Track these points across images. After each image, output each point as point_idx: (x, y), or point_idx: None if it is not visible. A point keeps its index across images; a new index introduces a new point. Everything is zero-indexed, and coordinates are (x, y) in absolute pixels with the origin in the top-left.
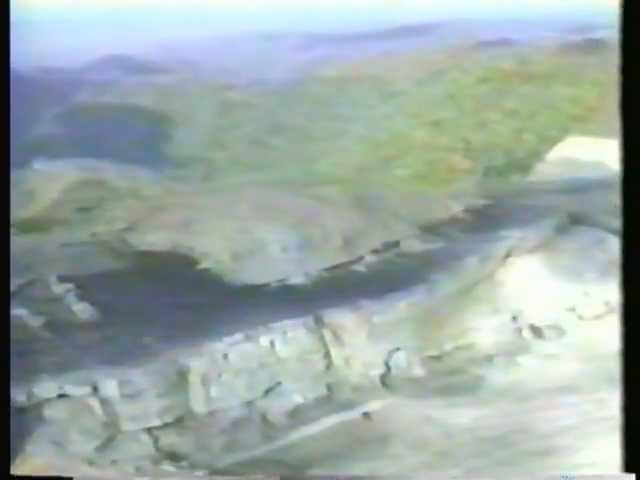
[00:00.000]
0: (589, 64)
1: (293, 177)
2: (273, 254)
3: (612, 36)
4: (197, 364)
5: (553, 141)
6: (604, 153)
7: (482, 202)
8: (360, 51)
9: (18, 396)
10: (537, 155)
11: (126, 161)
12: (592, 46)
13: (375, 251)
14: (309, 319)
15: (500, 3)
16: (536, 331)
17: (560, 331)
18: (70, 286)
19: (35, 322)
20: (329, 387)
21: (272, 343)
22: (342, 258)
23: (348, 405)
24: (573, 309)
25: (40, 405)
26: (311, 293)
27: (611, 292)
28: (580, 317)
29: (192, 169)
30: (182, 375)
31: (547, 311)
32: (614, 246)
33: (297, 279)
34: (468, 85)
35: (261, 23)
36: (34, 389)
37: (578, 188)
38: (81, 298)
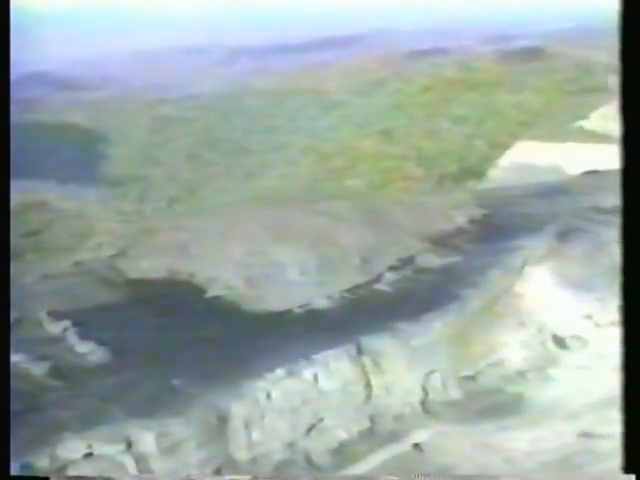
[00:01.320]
0: (530, 71)
1: (235, 192)
2: (291, 277)
3: (547, 45)
4: (239, 407)
5: (503, 147)
6: (556, 157)
7: (481, 212)
8: (288, 63)
9: (40, 461)
10: (488, 161)
11: (65, 181)
12: (530, 54)
13: (392, 268)
14: (351, 348)
15: (420, 15)
16: (560, 342)
17: (583, 341)
18: (67, 324)
19: (39, 369)
20: (371, 418)
21: (315, 377)
22: (361, 277)
23: (393, 437)
24: (589, 317)
25: (63, 468)
26: (338, 317)
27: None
28: (597, 325)
29: (128, 187)
30: (223, 421)
31: (566, 321)
32: (616, 250)
33: (320, 303)
34: (413, 94)
35: (181, 37)
36: (57, 451)
37: (541, 193)
38: (83, 337)
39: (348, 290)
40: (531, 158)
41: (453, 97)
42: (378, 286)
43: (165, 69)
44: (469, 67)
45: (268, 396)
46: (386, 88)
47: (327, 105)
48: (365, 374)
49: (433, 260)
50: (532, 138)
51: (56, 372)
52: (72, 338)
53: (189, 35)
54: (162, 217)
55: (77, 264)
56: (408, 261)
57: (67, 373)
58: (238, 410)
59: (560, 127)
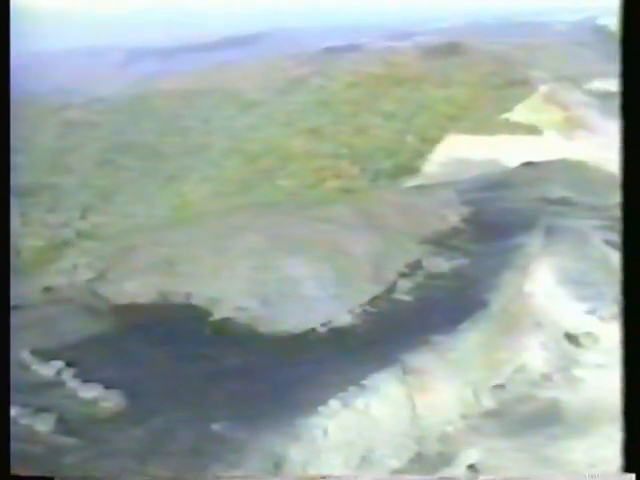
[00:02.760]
0: (453, 66)
1: (155, 197)
2: (308, 292)
3: (463, 40)
4: (296, 449)
5: (434, 141)
6: (488, 150)
7: (467, 209)
8: (193, 63)
9: None
10: (421, 156)
11: None
12: (449, 49)
13: (403, 275)
14: (396, 368)
15: (317, 12)
16: (574, 341)
17: (594, 337)
18: (60, 364)
19: (43, 425)
20: (419, 442)
21: (367, 404)
22: (376, 287)
23: (444, 459)
24: (593, 312)
25: None
26: (367, 334)
27: (616, 290)
28: (602, 319)
29: (39, 197)
30: (279, 466)
31: (573, 318)
32: (599, 243)
33: (343, 319)
34: (338, 91)
35: (77, 38)
36: None
37: (486, 187)
38: (84, 379)
39: (368, 303)
40: (464, 152)
41: (380, 93)
42: (397, 296)
43: (66, 72)
44: (392, 63)
45: (325, 432)
46: (308, 85)
47: (245, 104)
48: (410, 395)
49: (441, 264)
50: (461, 132)
51: (65, 427)
52: (72, 382)
53: (86, 37)
54: (129, 231)
55: (48, 290)
56: (416, 266)
57: (79, 427)
58: (296, 452)
59: (487, 120)
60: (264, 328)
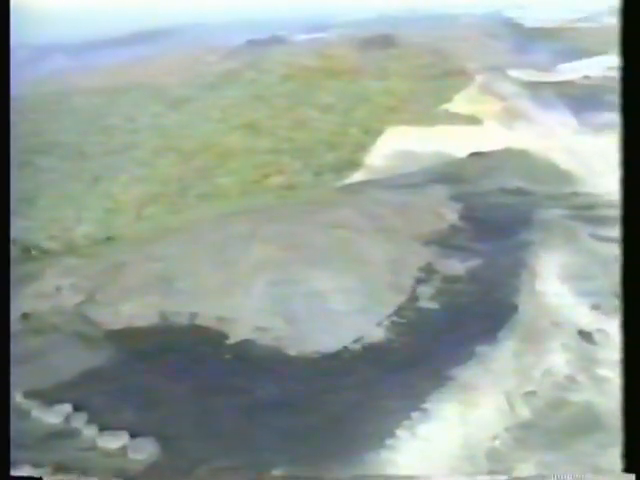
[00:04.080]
0: (388, 58)
1: (83, 198)
2: (335, 306)
3: (393, 32)
4: None
5: (376, 133)
6: (432, 141)
7: (459, 206)
8: (108, 58)
9: None
10: (364, 148)
11: None
12: (382, 41)
13: (420, 280)
14: (451, 387)
15: (230, 5)
16: (588, 338)
17: (605, 333)
18: (66, 409)
19: None
20: (471, 460)
21: (430, 430)
22: (398, 296)
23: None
24: (597, 307)
25: None
26: (405, 349)
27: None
28: (606, 314)
29: None
30: None
31: (582, 314)
32: (585, 236)
33: (374, 334)
34: (272, 84)
35: None
36: None
37: (442, 179)
38: (100, 426)
39: (395, 314)
40: (409, 144)
41: (316, 85)
42: (421, 304)
43: None
44: (326, 55)
45: (394, 465)
46: (239, 79)
47: (172, 101)
48: (464, 413)
49: (455, 266)
50: (402, 123)
51: None
52: (87, 429)
53: None
54: (116, 245)
55: (27, 317)
56: (429, 270)
57: None
58: None
59: (427, 111)
60: (293, 350)
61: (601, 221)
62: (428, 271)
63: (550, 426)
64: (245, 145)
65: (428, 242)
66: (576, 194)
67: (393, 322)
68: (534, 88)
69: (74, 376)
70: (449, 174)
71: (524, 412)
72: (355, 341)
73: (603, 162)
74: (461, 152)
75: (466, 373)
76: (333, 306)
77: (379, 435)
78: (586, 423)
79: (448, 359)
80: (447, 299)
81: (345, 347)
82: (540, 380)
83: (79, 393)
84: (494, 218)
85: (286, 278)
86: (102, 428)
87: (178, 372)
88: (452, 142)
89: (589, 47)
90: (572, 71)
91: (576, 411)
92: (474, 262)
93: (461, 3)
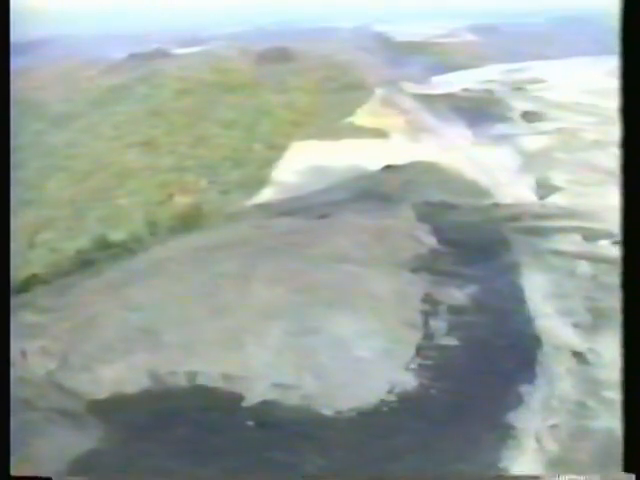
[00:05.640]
0: (287, 71)
1: None
2: (359, 353)
3: (293, 45)
4: None
5: (281, 149)
6: (343, 155)
7: (423, 225)
8: None
9: None
10: (269, 164)
11: None
12: (278, 54)
13: (427, 313)
14: (514, 437)
15: (90, 18)
16: (581, 358)
17: (596, 353)
18: None
19: None
20: None
21: None
22: (413, 334)
23: None
24: (578, 325)
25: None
26: (445, 396)
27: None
28: (586, 331)
29: None
30: None
31: (568, 334)
32: (545, 251)
33: (406, 381)
34: (167, 99)
35: None
36: None
37: (367, 195)
38: None
39: (418, 355)
40: (318, 158)
41: (215, 100)
42: (440, 341)
43: None
44: (222, 69)
45: None
46: (130, 94)
47: (54, 117)
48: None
49: (455, 294)
50: (307, 137)
51: None
52: None
53: None
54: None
55: None
56: (431, 301)
57: None
58: None
59: (331, 125)
60: (326, 408)
61: (541, 233)
62: (431, 302)
63: (586, 461)
64: (144, 163)
65: (417, 269)
66: (497, 205)
67: (420, 365)
68: (427, 101)
69: (60, 470)
70: (368, 189)
71: (550, 445)
72: (389, 391)
73: (504, 172)
74: (372, 165)
75: (518, 417)
76: (357, 353)
77: None
78: (614, 452)
79: (497, 404)
80: (463, 334)
81: (381, 400)
82: (558, 410)
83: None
84: (465, 240)
85: (303, 324)
86: None
87: (191, 449)
88: (362, 155)
89: (456, 61)
90: (446, 84)
91: (600, 441)
92: (471, 288)
93: (332, 17)
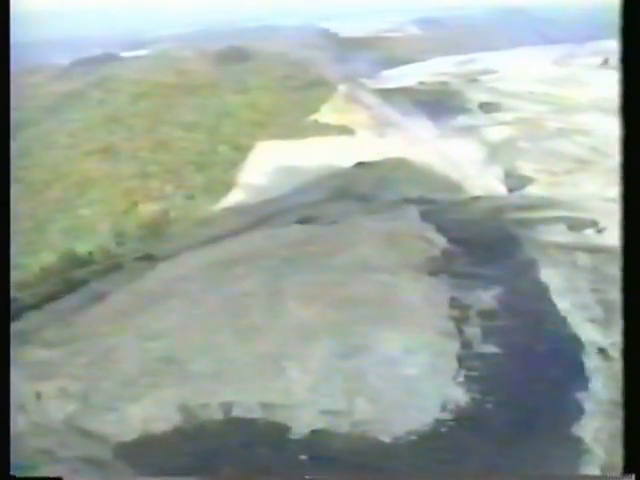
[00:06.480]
0: (246, 71)
1: None
2: (407, 372)
3: (247, 44)
4: None
5: (245, 150)
6: (312, 154)
7: (429, 225)
8: None
9: None
10: (235, 166)
11: None
12: (235, 54)
13: (457, 319)
14: (587, 453)
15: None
16: (605, 354)
17: (616, 346)
18: None
19: None
20: None
21: None
22: (452, 343)
23: None
24: (593, 320)
25: None
26: (500, 410)
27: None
28: (602, 325)
29: None
30: None
31: (588, 330)
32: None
33: (457, 396)
34: (124, 104)
35: None
36: None
37: (342, 195)
38: None
39: (462, 367)
40: (285, 158)
41: (175, 103)
42: (480, 349)
43: None
44: (179, 70)
45: None
46: (84, 100)
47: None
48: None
49: (482, 297)
50: (272, 137)
51: None
52: None
53: None
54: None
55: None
56: (459, 306)
57: None
58: None
59: (295, 123)
60: (383, 434)
61: (531, 226)
62: (460, 308)
63: None
64: (105, 171)
65: (436, 271)
66: (476, 199)
67: (467, 377)
68: (386, 96)
69: None
70: (343, 188)
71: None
72: (442, 409)
73: (472, 165)
74: (342, 163)
75: (581, 428)
76: (405, 372)
77: None
78: None
79: (558, 415)
80: (500, 340)
81: (436, 419)
82: (596, 411)
83: None
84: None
85: (348, 343)
86: None
87: None
88: (330, 153)
89: (403, 55)
90: (398, 78)
91: None
92: (496, 290)
93: (275, 15)
